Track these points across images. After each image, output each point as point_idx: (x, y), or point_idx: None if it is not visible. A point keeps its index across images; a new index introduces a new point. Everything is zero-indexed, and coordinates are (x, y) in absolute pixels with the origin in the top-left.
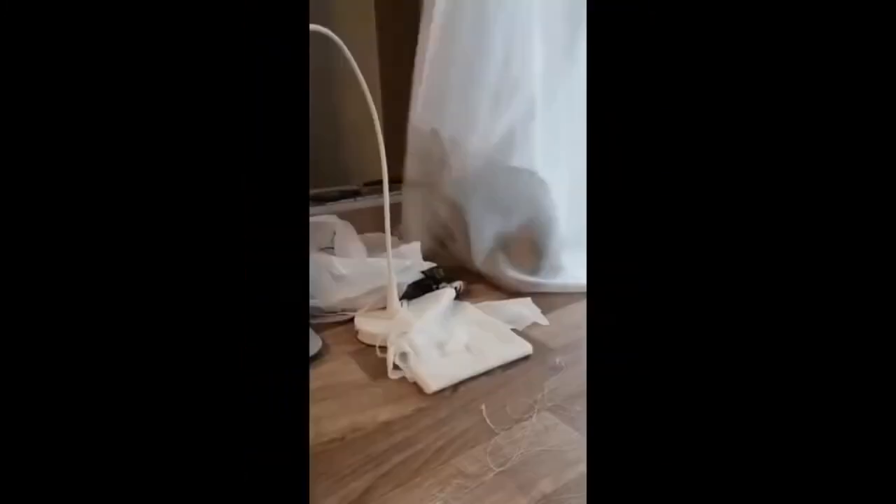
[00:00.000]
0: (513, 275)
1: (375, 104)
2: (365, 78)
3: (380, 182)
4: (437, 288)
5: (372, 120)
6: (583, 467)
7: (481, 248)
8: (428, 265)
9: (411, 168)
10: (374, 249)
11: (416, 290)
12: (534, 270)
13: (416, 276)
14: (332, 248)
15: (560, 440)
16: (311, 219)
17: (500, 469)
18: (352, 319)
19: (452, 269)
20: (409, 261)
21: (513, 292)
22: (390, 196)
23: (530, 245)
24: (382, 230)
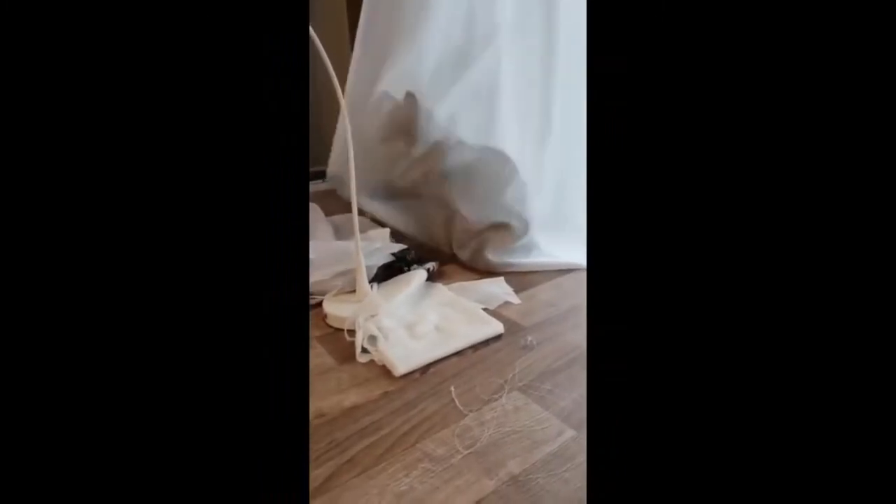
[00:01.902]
0: (486, 255)
1: (344, 85)
2: (335, 60)
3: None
4: (409, 270)
5: (341, 101)
6: (550, 447)
7: (453, 231)
8: (399, 247)
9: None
10: (342, 231)
11: (387, 273)
12: (507, 250)
13: (386, 258)
14: None
15: (529, 420)
16: None
17: (468, 451)
18: (320, 304)
19: (426, 250)
20: (379, 243)
21: (486, 272)
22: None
23: (502, 225)
24: (350, 211)
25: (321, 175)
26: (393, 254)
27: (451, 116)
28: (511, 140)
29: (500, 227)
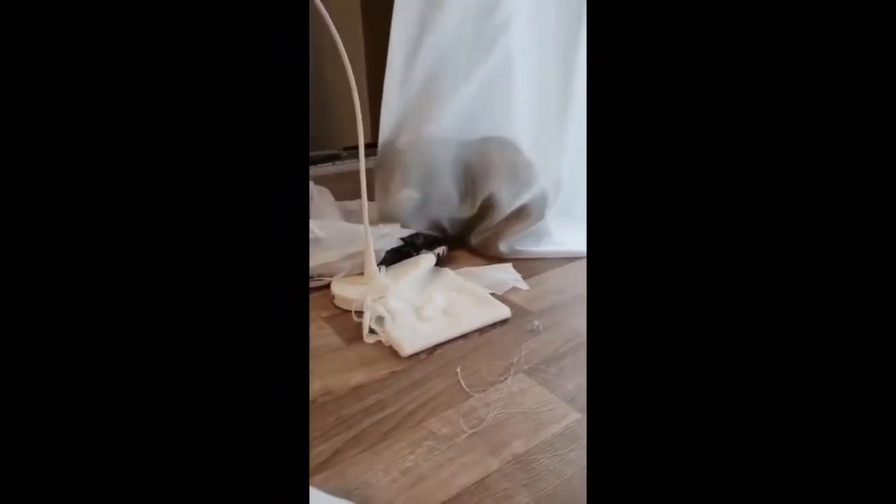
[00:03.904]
0: (497, 242)
1: (360, 68)
2: (349, 43)
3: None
4: (418, 255)
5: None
6: (555, 428)
7: (463, 219)
8: (407, 232)
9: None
10: (353, 216)
11: (395, 257)
12: (518, 237)
13: (395, 242)
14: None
15: (534, 402)
16: None
17: (473, 431)
18: (328, 285)
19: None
20: (388, 228)
21: (495, 258)
22: (367, 160)
23: (513, 212)
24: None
25: (334, 157)
26: (402, 238)
27: (470, 107)
28: (526, 126)
29: (517, 213)
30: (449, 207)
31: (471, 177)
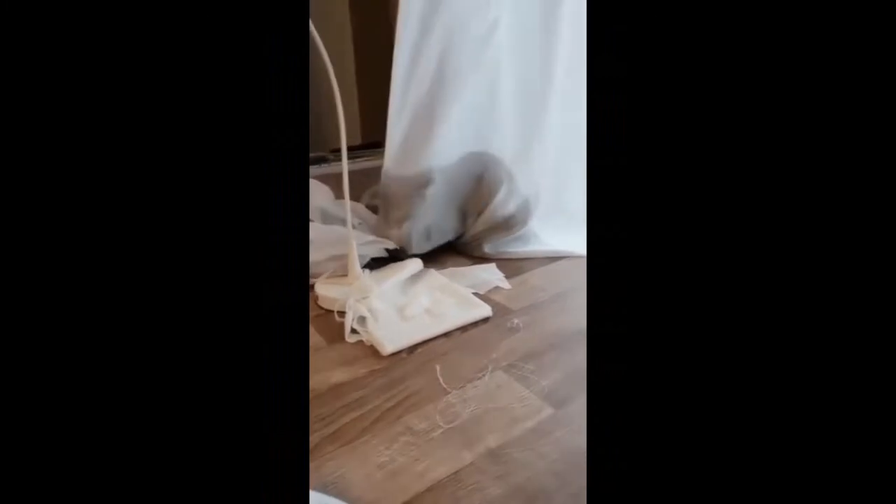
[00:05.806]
0: (483, 245)
1: (349, 69)
2: (337, 44)
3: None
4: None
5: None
6: (529, 423)
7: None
8: (393, 245)
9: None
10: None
11: (378, 265)
12: (504, 240)
13: (379, 251)
14: None
15: (510, 398)
16: None
17: (449, 426)
18: (312, 286)
19: None
20: (373, 236)
21: (480, 258)
22: (355, 163)
23: (499, 222)
24: (351, 198)
25: (320, 160)
26: (387, 249)
27: (462, 124)
28: (509, 137)
29: (503, 222)
30: (453, 231)
31: (466, 196)
